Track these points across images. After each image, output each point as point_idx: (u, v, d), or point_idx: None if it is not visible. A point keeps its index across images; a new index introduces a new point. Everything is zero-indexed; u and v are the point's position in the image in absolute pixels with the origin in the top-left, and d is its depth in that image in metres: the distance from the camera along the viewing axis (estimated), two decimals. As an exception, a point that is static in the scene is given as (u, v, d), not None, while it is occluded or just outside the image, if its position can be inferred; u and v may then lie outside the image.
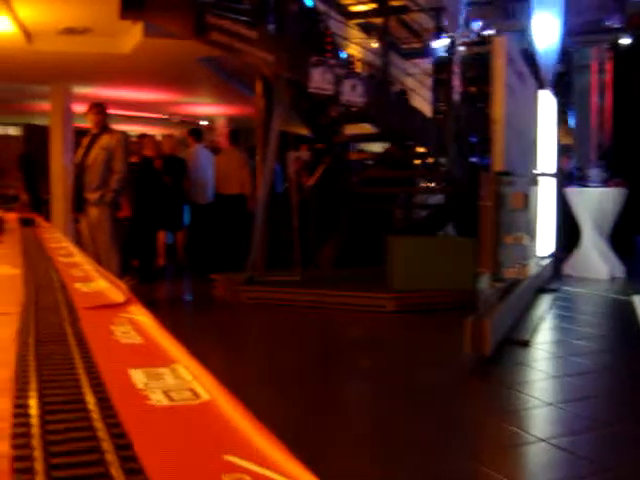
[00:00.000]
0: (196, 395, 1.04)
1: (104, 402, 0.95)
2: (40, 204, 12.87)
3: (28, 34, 9.86)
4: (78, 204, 7.77)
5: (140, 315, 1.64)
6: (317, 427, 4.58)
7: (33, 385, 1.02)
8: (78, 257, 3.12)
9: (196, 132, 12.15)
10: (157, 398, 1.01)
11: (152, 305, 2.02)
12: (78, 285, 2.18)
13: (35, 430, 0.83)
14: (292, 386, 5.48)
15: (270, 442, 0.85)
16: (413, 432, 4.48)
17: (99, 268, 2.58)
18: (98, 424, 0.86)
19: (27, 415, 0.89)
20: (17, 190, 13.02)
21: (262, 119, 9.96)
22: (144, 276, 10.35)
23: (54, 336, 1.37)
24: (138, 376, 1.12)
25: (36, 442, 0.80)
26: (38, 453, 0.76)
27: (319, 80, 8.81)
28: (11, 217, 6.34)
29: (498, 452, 4.23)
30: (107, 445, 0.79)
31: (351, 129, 11.99)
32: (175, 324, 1.88)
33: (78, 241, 7.55)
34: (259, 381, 5.65)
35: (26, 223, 5.32)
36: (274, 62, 8.74)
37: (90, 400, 0.95)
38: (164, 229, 11.40)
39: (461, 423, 4.73)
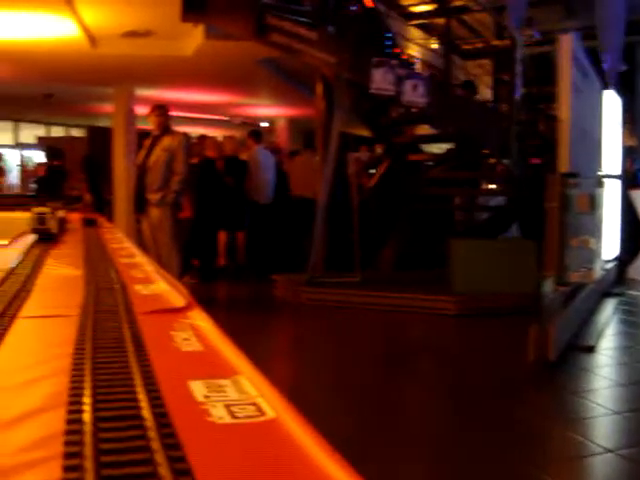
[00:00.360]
0: (260, 411, 0.97)
1: (161, 418, 0.89)
2: (103, 205, 12.99)
3: (92, 38, 9.95)
4: (139, 205, 7.81)
5: (201, 320, 1.59)
6: (379, 436, 4.50)
7: (87, 398, 0.96)
8: (139, 258, 3.09)
9: (256, 133, 12.15)
10: (218, 414, 0.95)
11: (212, 305, 1.96)
12: (138, 287, 2.14)
13: (88, 450, 0.77)
14: (353, 392, 5.39)
15: (340, 468, 0.77)
16: (476, 440, 4.36)
17: (160, 270, 2.53)
18: (155, 444, 0.79)
19: (80, 432, 0.84)
20: (80, 191, 13.16)
21: (322, 120, 9.89)
22: (204, 276, 10.38)
23: (112, 342, 1.32)
24: (198, 388, 1.06)
25: (89, 464, 0.74)
26: (90, 478, 0.71)
27: (380, 81, 8.72)
28: (74, 217, 6.43)
29: (564, 463, 4.09)
30: (164, 470, 0.72)
31: (412, 130, 11.87)
32: (235, 325, 1.82)
33: (140, 241, 7.58)
34: (321, 387, 5.58)
35: (89, 223, 5.33)
36: (335, 63, 8.68)
37: (146, 415, 0.88)
38: (225, 229, 11.42)
39: (525, 431, 4.59)
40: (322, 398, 5.02)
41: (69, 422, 0.88)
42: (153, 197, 7.62)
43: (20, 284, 2.17)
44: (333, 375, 5.94)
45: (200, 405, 0.98)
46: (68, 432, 0.85)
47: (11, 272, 2.46)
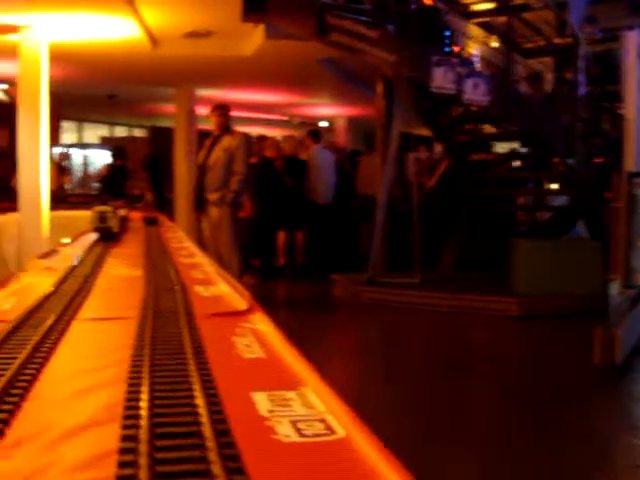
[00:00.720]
0: (330, 429, 0.89)
1: (223, 436, 0.82)
2: (164, 203, 13.08)
3: (153, 38, 10.01)
4: (199, 204, 7.81)
5: (263, 325, 1.52)
6: (442, 438, 4.39)
7: (144, 411, 0.90)
8: (199, 258, 3.05)
9: (314, 133, 12.10)
10: (285, 432, 0.87)
11: (271, 305, 1.90)
12: (198, 288, 2.09)
13: (143, 474, 0.71)
14: (416, 396, 5.29)
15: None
16: (539, 446, 4.23)
17: (221, 271, 2.48)
18: (216, 467, 0.72)
19: (135, 452, 0.77)
20: (142, 190, 13.29)
21: (382, 120, 9.80)
22: (264, 275, 10.37)
23: (171, 347, 1.27)
24: (262, 401, 0.99)
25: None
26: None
27: (441, 79, 8.59)
28: (136, 216, 6.46)
29: (630, 471, 3.94)
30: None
31: (473, 129, 11.69)
32: (293, 326, 1.75)
33: (200, 240, 7.59)
34: (383, 392, 5.48)
35: (150, 222, 5.39)
36: (395, 62, 8.57)
37: (207, 433, 0.82)
38: (284, 229, 11.41)
39: (589, 437, 4.44)
40: (384, 404, 4.93)
41: (123, 439, 0.82)
42: (212, 196, 7.62)
43: (79, 284, 2.14)
44: (395, 379, 5.83)
45: (265, 421, 0.90)
46: (122, 451, 0.78)
47: (71, 271, 2.44)
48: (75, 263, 2.65)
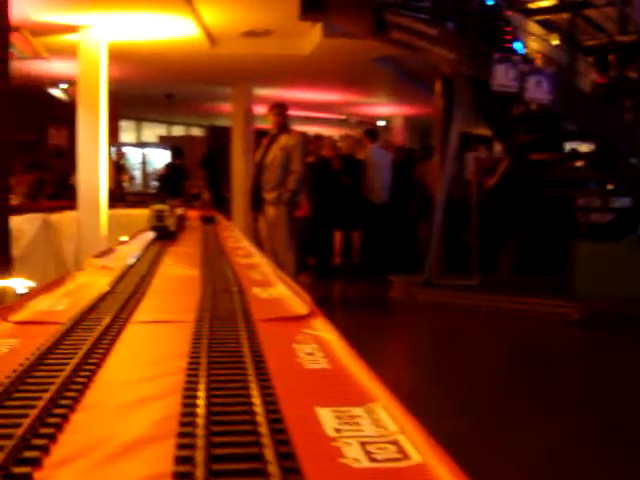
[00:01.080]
0: (403, 453, 0.80)
1: (287, 460, 0.74)
2: (221, 202, 13.14)
3: (212, 37, 10.02)
4: (256, 203, 7.79)
5: (326, 331, 1.44)
6: (509, 452, 4.26)
7: (200, 430, 0.83)
8: (257, 258, 3.00)
9: (371, 132, 12.01)
10: (353, 455, 0.79)
11: (326, 305, 1.82)
12: (257, 290, 2.02)
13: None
14: (478, 405, 5.14)
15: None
16: (613, 458, 4.07)
17: (279, 272, 2.42)
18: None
19: (190, 476, 0.70)
20: (199, 189, 13.34)
21: (441, 119, 9.67)
22: (320, 275, 10.31)
23: (229, 355, 1.20)
24: (328, 418, 0.91)
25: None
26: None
27: (502, 77, 8.43)
28: (193, 215, 6.41)
29: None
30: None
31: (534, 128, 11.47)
32: (349, 327, 1.66)
33: (256, 239, 7.56)
34: (443, 401, 5.36)
35: (207, 221, 5.42)
36: (455, 60, 8.43)
37: (270, 457, 0.74)
38: (341, 228, 11.34)
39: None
40: (441, 410, 4.81)
41: (178, 461, 0.75)
42: (269, 195, 7.58)
43: (135, 284, 2.09)
44: (453, 384, 5.70)
45: (331, 442, 0.82)
46: (177, 475, 0.71)
47: (128, 270, 2.40)
48: (131, 262, 2.61)
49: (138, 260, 2.75)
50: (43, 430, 0.88)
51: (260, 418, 0.85)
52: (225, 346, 1.26)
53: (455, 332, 7.57)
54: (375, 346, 6.30)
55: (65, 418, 0.94)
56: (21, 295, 2.94)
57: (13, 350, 1.32)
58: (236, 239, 4.04)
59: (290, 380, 1.08)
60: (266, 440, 0.78)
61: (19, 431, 0.84)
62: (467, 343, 7.09)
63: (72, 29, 8.80)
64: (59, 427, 0.90)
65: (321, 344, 1.33)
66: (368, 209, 11.25)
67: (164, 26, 8.86)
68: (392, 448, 0.81)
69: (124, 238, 4.44)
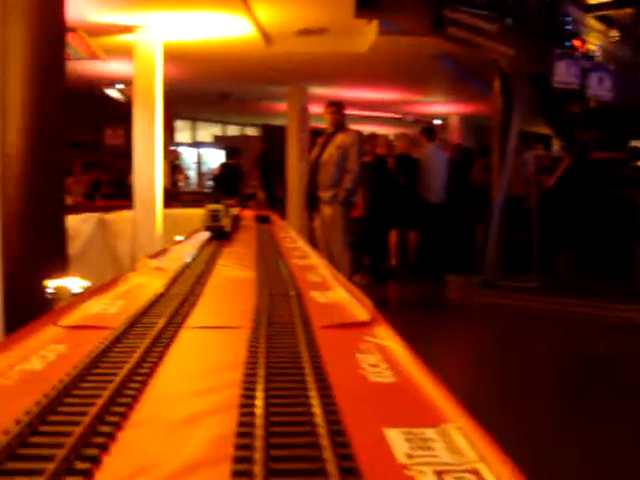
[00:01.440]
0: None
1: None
2: (276, 202, 13.14)
3: (267, 36, 9.99)
4: (311, 202, 7.73)
5: (390, 340, 1.35)
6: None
7: (258, 454, 0.75)
8: (314, 259, 2.92)
9: (429, 131, 11.85)
10: (430, 486, 0.71)
11: (382, 306, 1.73)
12: (315, 294, 1.94)
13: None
14: (542, 416, 4.97)
15: None
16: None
17: (337, 274, 2.33)
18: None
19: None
20: (254, 188, 13.34)
21: (500, 117, 9.50)
22: (375, 275, 10.20)
23: (287, 366, 1.12)
24: (397, 441, 0.83)
25: None
26: None
27: (564, 73, 8.25)
28: (248, 214, 6.39)
29: None
30: None
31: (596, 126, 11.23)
32: (405, 329, 1.57)
33: (311, 239, 7.50)
34: (502, 409, 5.21)
35: (262, 220, 5.42)
36: (514, 56, 8.28)
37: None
38: (397, 228, 11.22)
39: None
40: (503, 417, 4.66)
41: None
42: (325, 195, 7.51)
43: (190, 286, 2.03)
44: (515, 393, 5.54)
45: (403, 469, 0.74)
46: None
47: (182, 272, 2.34)
48: (186, 263, 2.56)
49: (193, 261, 2.69)
50: (87, 451, 0.81)
51: (324, 441, 0.77)
52: (283, 356, 1.18)
53: (514, 335, 7.39)
54: (431, 349, 6.18)
55: (111, 437, 0.87)
56: (75, 295, 2.90)
57: (60, 357, 1.27)
58: (292, 239, 3.97)
59: (354, 395, 0.99)
60: (330, 467, 0.70)
61: (61, 452, 0.77)
62: (527, 346, 6.91)
63: (128, 29, 8.84)
64: (104, 448, 0.83)
65: (385, 354, 1.24)
66: (424, 209, 11.11)
67: (219, 25, 8.85)
68: (471, 478, 0.72)
69: (179, 238, 4.41)
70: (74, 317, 1.63)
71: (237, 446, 0.79)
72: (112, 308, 1.76)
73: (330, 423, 0.84)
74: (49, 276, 3.13)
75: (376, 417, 0.90)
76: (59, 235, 4.59)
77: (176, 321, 1.54)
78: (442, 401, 0.97)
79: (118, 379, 1.04)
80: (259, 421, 0.84)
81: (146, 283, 2.20)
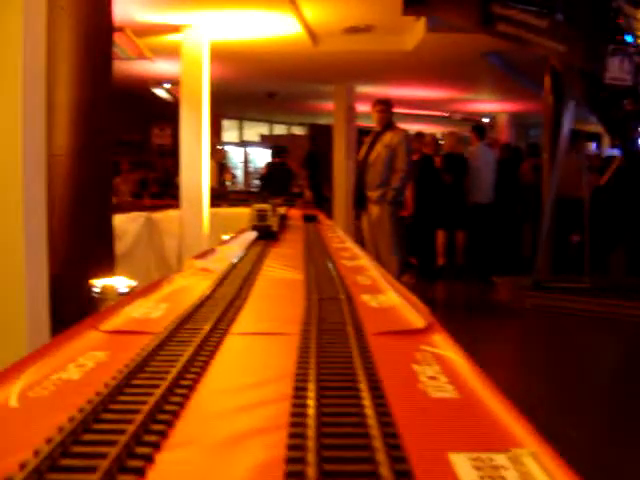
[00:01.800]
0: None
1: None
2: (323, 201, 13.10)
3: (313, 35, 9.94)
4: (359, 201, 7.65)
5: (449, 350, 1.26)
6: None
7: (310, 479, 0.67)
8: (363, 260, 2.84)
9: (479, 129, 11.68)
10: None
11: (429, 307, 1.64)
12: (366, 297, 1.86)
13: None
14: (598, 423, 4.82)
15: None
16: None
17: (388, 277, 2.25)
18: None
19: None
20: (301, 188, 13.31)
21: (550, 115, 9.32)
22: (423, 275, 10.08)
23: (340, 378, 1.04)
24: (464, 468, 0.74)
25: None
26: None
27: (616, 70, 8.05)
28: (295, 214, 6.35)
29: None
30: None
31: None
32: (452, 332, 1.48)
33: (358, 238, 7.42)
34: (558, 419, 5.07)
35: (309, 219, 5.39)
36: (565, 52, 8.10)
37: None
38: (443, 228, 11.09)
39: None
40: (561, 429, 4.52)
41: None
42: (373, 194, 7.42)
43: (236, 288, 1.96)
44: (571, 398, 5.39)
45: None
46: None
47: (228, 273, 2.28)
48: (232, 264, 2.50)
49: (239, 262, 2.63)
50: (122, 477, 0.74)
51: (384, 470, 0.69)
52: (335, 366, 1.10)
53: (567, 338, 7.21)
54: (481, 352, 6.05)
55: (149, 460, 0.79)
56: (121, 295, 2.86)
57: (99, 366, 1.20)
58: (340, 239, 3.90)
59: (414, 413, 0.91)
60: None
61: (94, 478, 0.70)
62: (580, 350, 6.73)
63: (175, 29, 8.84)
64: (140, 473, 0.76)
65: (445, 366, 1.15)
66: (473, 209, 10.96)
67: (266, 24, 8.81)
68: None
69: (226, 237, 4.37)
70: (116, 321, 1.57)
71: (287, 474, 0.71)
72: (155, 312, 1.70)
73: (389, 448, 0.75)
74: (96, 276, 3.10)
75: (440, 439, 0.82)
76: (106, 235, 4.58)
77: (221, 327, 1.47)
78: (511, 421, 0.87)
79: (158, 392, 0.97)
80: (311, 443, 0.76)
81: (191, 285, 2.14)
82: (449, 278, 10.91)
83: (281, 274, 2.44)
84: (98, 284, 3.03)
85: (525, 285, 8.44)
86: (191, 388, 1.06)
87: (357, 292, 1.89)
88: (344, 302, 1.67)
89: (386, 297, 1.86)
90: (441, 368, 1.13)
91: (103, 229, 4.57)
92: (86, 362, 1.21)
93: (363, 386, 0.97)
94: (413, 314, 1.59)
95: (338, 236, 4.17)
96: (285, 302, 1.86)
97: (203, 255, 2.95)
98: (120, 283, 3.11)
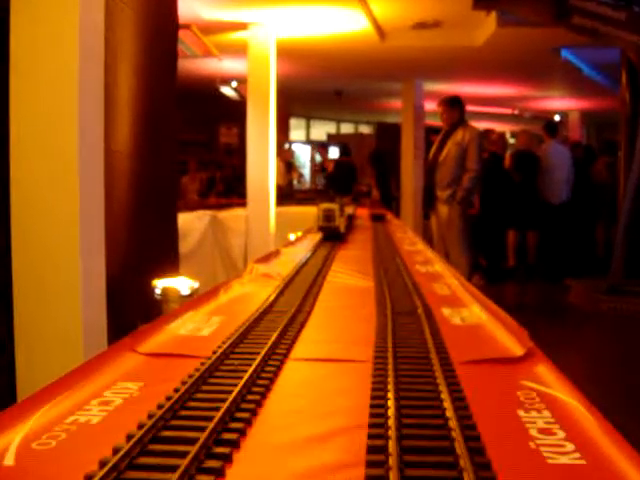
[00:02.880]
0: None
1: None
2: (390, 200, 12.88)
3: (381, 31, 9.73)
4: (428, 201, 7.44)
5: (559, 389, 1.01)
6: None
7: None
8: (438, 265, 2.60)
9: (551, 127, 11.30)
10: None
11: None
12: (446, 312, 1.64)
13: None
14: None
15: None
16: None
17: (470, 286, 2.02)
18: None
19: None
20: (369, 186, 13.13)
21: (627, 112, 8.94)
22: (492, 276, 9.77)
23: (425, 428, 0.83)
24: None
25: None
26: None
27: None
28: (362, 213, 6.19)
29: None
30: None
31: None
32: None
33: (427, 238, 7.19)
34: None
35: (377, 219, 5.32)
36: (647, 46, 7.74)
37: None
38: (514, 228, 10.76)
39: None
40: None
41: None
42: (442, 194, 7.18)
43: (299, 299, 1.76)
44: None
45: None
46: None
47: (291, 280, 2.08)
48: (296, 269, 2.30)
49: (304, 266, 2.43)
50: None
51: None
52: (419, 410, 0.88)
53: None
54: (557, 360, 5.74)
55: None
56: (184, 298, 2.71)
57: (128, 403, 1.00)
58: (411, 241, 3.67)
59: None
60: None
61: None
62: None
63: (241, 26, 8.74)
64: None
65: (558, 413, 0.91)
66: (545, 209, 10.62)
67: (333, 20, 8.65)
68: None
69: (292, 237, 4.21)
70: (157, 340, 1.36)
71: None
72: (205, 328, 1.49)
73: None
74: (159, 276, 2.95)
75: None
76: (171, 235, 4.45)
77: (281, 350, 1.26)
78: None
79: (197, 446, 0.77)
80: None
81: (250, 294, 1.95)
82: (519, 280, 10.56)
83: (349, 281, 2.23)
84: (160, 285, 2.89)
85: (601, 288, 8.08)
86: (242, 432, 0.86)
87: (436, 304, 1.67)
88: (422, 317, 1.45)
89: (470, 312, 1.63)
90: (554, 416, 0.89)
91: (167, 229, 4.45)
92: (113, 398, 1.00)
93: (459, 445, 0.75)
94: (506, 336, 1.35)
95: (408, 237, 3.95)
96: (354, 317, 1.65)
97: (266, 259, 2.75)
98: (183, 284, 2.97)
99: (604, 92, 12.61)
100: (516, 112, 17.75)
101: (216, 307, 1.75)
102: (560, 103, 16.47)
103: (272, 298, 1.73)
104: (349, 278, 2.29)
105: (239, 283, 2.16)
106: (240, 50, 9.01)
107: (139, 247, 3.98)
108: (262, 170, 8.49)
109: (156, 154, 4.08)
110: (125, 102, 3.83)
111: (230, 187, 12.79)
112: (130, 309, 3.65)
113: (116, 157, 3.79)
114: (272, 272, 2.28)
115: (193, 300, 1.87)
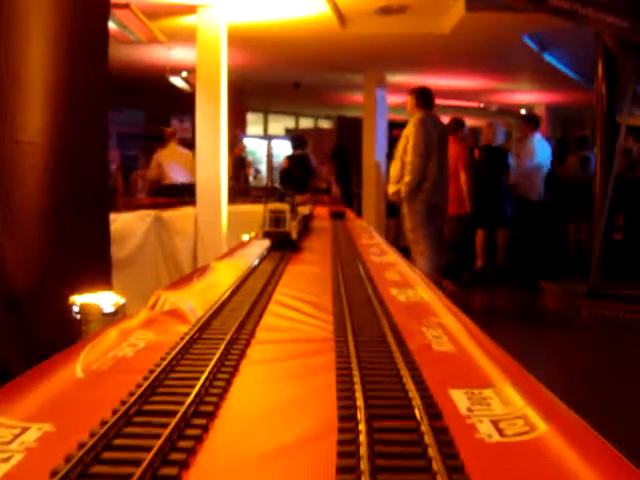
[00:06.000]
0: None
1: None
2: (352, 197, 12.55)
3: (342, 16, 9.21)
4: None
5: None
6: None
7: None
8: (421, 288, 1.94)
9: (532, 119, 10.81)
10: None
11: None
12: (430, 334, 0.99)
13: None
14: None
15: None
16: None
17: (475, 330, 1.38)
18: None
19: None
20: (328, 183, 12.71)
21: (603, 106, 8.49)
22: (457, 279, 9.22)
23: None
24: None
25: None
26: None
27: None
28: (321, 211, 5.84)
29: None
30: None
31: None
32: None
33: (389, 238, 6.74)
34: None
35: (336, 216, 5.19)
36: (628, 29, 7.29)
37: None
38: (482, 227, 10.23)
39: None
40: None
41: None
42: (390, 190, 6.83)
43: (214, 359, 1.10)
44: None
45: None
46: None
47: (212, 317, 1.42)
48: (222, 301, 1.62)
49: (235, 293, 1.76)
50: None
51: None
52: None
53: (631, 354, 6.29)
54: (536, 373, 5.16)
55: None
56: (109, 315, 2.14)
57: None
58: (379, 248, 3.02)
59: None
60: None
61: None
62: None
63: (190, 9, 8.14)
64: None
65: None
66: (520, 206, 10.21)
67: (289, 4, 8.12)
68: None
69: (245, 237, 3.65)
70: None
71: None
72: None
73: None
74: (85, 287, 2.35)
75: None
76: (100, 240, 3.83)
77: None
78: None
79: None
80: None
81: (148, 347, 1.27)
82: (488, 283, 10.05)
83: (296, 317, 1.56)
84: (79, 301, 2.29)
85: (578, 292, 7.64)
86: None
87: (409, 324, 1.01)
88: (397, 351, 0.79)
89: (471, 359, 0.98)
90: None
91: (95, 232, 3.81)
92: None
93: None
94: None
95: (376, 243, 3.30)
96: (307, 372, 0.98)
97: (185, 281, 2.04)
98: (105, 300, 2.37)
99: (572, 84, 12.30)
100: (482, 105, 17.55)
101: (40, 406, 0.99)
102: (526, 96, 16.31)
103: (178, 354, 1.06)
104: (296, 312, 1.61)
105: (133, 322, 1.46)
106: (191, 38, 8.38)
107: (55, 252, 3.36)
108: (212, 166, 7.89)
109: (80, 147, 3.46)
110: (39, 85, 3.21)
111: (185, 185, 12.16)
112: (42, 328, 3.08)
113: (22, 148, 3.19)
114: (185, 307, 1.58)
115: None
